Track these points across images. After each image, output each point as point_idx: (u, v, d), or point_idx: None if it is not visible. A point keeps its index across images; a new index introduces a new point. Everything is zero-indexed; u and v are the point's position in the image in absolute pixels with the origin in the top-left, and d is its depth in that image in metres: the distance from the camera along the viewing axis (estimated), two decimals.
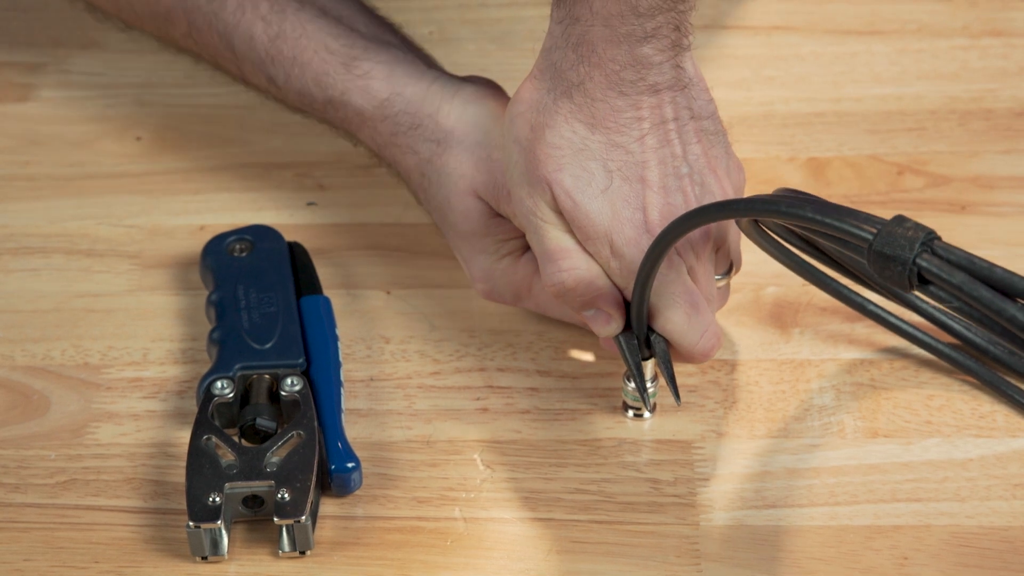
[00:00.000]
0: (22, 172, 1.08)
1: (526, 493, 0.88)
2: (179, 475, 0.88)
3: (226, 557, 0.85)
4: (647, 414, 0.91)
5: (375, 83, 0.95)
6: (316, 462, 0.85)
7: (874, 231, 0.74)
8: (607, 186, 0.85)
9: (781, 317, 0.97)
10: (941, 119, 1.09)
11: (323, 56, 0.96)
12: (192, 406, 0.92)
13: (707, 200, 0.86)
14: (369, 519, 0.87)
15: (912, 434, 0.91)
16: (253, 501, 0.85)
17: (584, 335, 0.96)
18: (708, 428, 0.91)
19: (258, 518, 0.86)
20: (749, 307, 0.97)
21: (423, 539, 0.86)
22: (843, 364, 0.94)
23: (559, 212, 0.86)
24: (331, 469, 0.86)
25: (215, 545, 0.84)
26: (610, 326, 0.88)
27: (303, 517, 0.83)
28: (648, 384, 0.89)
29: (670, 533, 0.86)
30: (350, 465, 0.87)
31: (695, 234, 0.87)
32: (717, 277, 0.91)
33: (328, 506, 0.87)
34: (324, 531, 0.86)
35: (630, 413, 0.91)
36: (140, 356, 0.95)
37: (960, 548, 0.85)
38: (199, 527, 0.83)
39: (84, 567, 0.85)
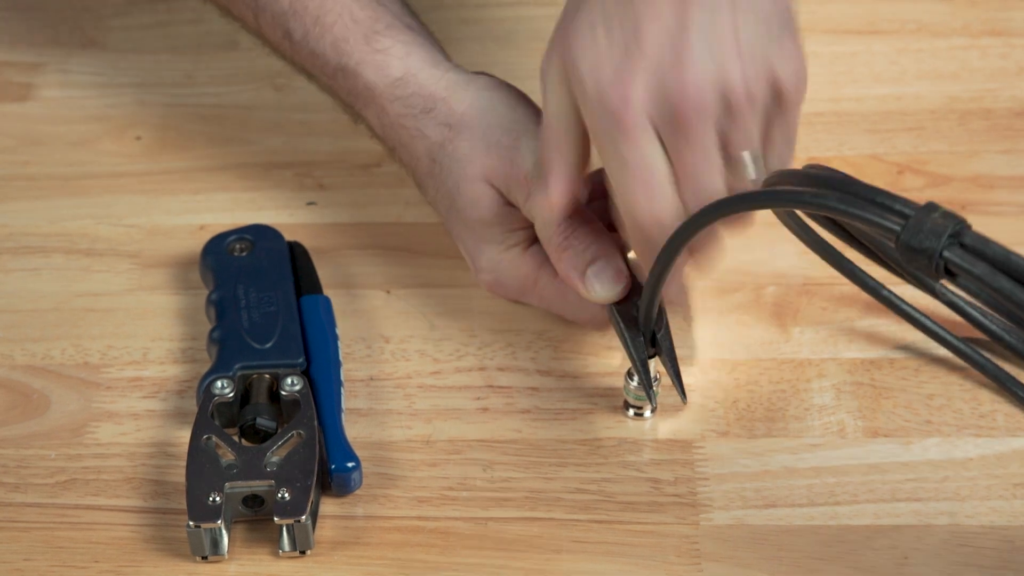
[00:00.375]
0: (22, 172, 1.08)
1: (526, 493, 0.88)
2: (179, 475, 0.88)
3: (226, 557, 0.85)
4: (648, 413, 0.91)
5: (392, 60, 0.95)
6: (316, 462, 0.85)
7: (902, 222, 0.73)
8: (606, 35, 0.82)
9: (781, 317, 0.97)
10: (941, 119, 1.09)
11: (346, 22, 0.96)
12: (192, 406, 0.92)
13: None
14: (369, 519, 0.87)
15: (912, 434, 0.91)
16: (253, 501, 0.85)
17: (584, 335, 0.96)
18: (708, 428, 0.91)
19: (258, 518, 0.86)
20: (749, 307, 0.97)
21: (423, 539, 0.86)
22: (843, 364, 0.94)
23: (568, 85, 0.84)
24: (331, 469, 0.86)
25: (215, 545, 0.84)
26: (616, 283, 0.87)
27: (303, 517, 0.83)
28: (652, 382, 0.89)
29: (670, 533, 0.86)
30: (350, 465, 0.87)
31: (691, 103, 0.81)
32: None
33: (328, 506, 0.87)
34: (324, 531, 0.86)
35: (631, 412, 0.91)
36: (140, 356, 0.95)
37: (960, 548, 0.85)
38: (199, 527, 0.83)
39: (84, 567, 0.85)
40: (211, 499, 0.84)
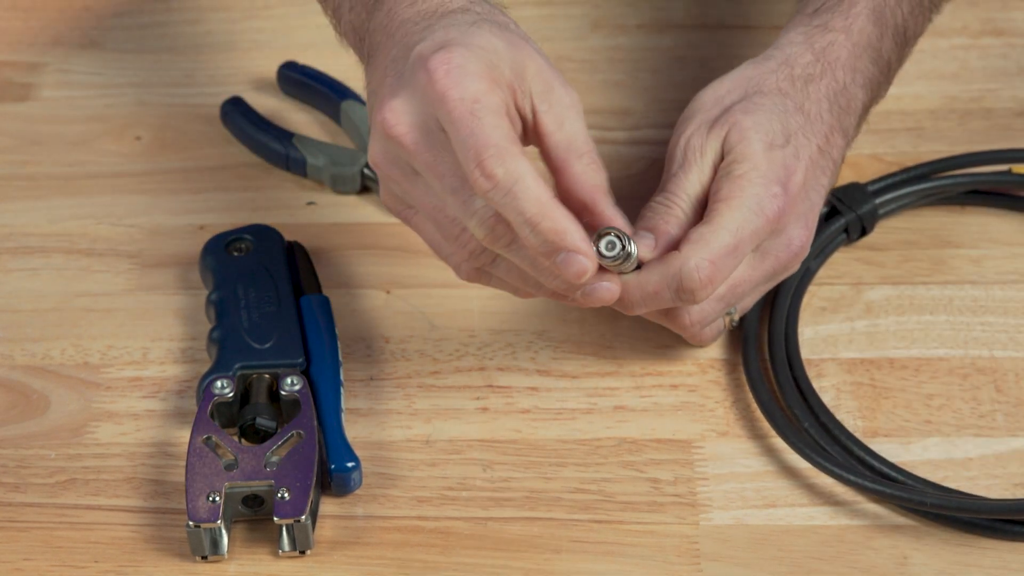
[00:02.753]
0: (22, 172, 1.08)
1: (526, 493, 0.88)
2: (179, 474, 0.88)
3: (226, 556, 0.85)
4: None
5: None
6: (316, 461, 0.85)
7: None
8: (782, 144, 0.88)
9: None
10: (940, 119, 1.09)
11: None
12: (192, 405, 0.92)
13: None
14: (369, 519, 0.87)
15: (912, 434, 0.91)
16: (253, 500, 0.85)
17: (585, 335, 0.96)
18: (708, 428, 0.91)
19: (258, 517, 0.86)
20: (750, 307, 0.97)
21: (423, 539, 0.86)
22: (843, 364, 0.94)
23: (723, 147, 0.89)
24: (331, 468, 0.86)
25: (215, 544, 0.84)
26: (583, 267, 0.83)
27: (303, 517, 0.83)
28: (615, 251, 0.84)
29: (670, 533, 0.86)
30: (350, 464, 0.87)
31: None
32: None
33: (328, 506, 0.87)
34: (324, 531, 0.86)
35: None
36: (140, 355, 0.95)
37: (960, 548, 0.85)
38: (199, 526, 0.83)
39: (84, 566, 0.85)
40: (211, 499, 0.84)
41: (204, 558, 0.84)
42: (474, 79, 0.80)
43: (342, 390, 0.90)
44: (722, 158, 0.89)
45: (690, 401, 0.92)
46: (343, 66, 1.14)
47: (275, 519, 0.84)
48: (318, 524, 0.86)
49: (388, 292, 0.99)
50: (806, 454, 0.87)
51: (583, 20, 1.18)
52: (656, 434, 0.91)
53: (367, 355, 0.95)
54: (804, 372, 0.92)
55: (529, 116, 0.83)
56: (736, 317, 0.92)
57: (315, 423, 0.87)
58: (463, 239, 0.84)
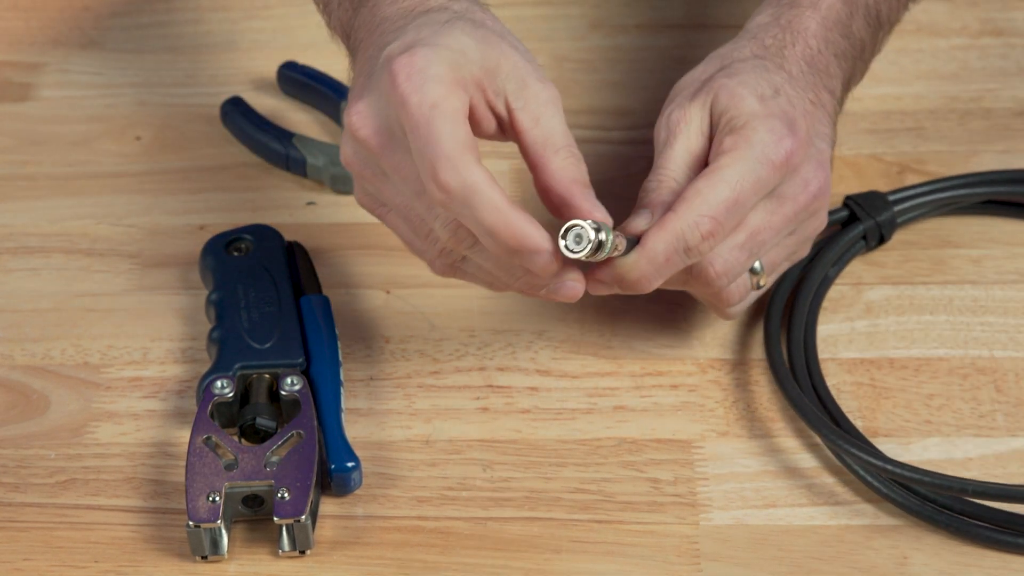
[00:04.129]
0: (22, 172, 1.08)
1: (526, 493, 0.88)
2: (179, 474, 0.88)
3: (226, 556, 0.85)
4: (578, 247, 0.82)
5: None
6: (316, 461, 0.85)
7: None
8: (773, 95, 0.88)
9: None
10: (940, 119, 1.09)
11: None
12: (192, 405, 0.92)
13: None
14: (369, 519, 0.87)
15: (912, 434, 0.91)
16: (253, 500, 0.85)
17: (585, 335, 0.96)
18: (708, 428, 0.91)
19: (258, 517, 0.86)
20: (750, 307, 0.97)
21: (423, 539, 0.86)
22: (843, 364, 0.94)
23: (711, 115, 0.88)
24: (331, 468, 0.86)
25: (215, 544, 0.84)
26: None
27: (303, 517, 0.83)
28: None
29: (670, 533, 0.86)
30: (350, 464, 0.87)
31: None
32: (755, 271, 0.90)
33: (328, 506, 0.87)
34: (324, 530, 0.86)
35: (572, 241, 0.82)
36: (140, 355, 0.95)
37: (960, 548, 0.85)
38: (199, 526, 0.83)
39: (84, 566, 0.85)
40: (210, 499, 0.84)
41: (204, 558, 0.84)
42: (434, 83, 0.80)
43: (342, 390, 0.91)
44: (711, 126, 0.88)
45: (690, 401, 0.92)
46: (343, 66, 1.13)
47: (275, 519, 0.84)
48: (318, 524, 0.86)
49: (388, 292, 0.99)
50: (844, 449, 0.86)
51: (582, 20, 1.18)
52: (656, 434, 0.91)
53: (367, 355, 0.95)
54: (823, 380, 0.92)
55: (504, 114, 0.83)
56: (764, 279, 0.90)
57: (315, 423, 0.87)
58: (433, 237, 0.84)
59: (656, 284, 0.85)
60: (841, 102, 0.96)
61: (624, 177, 1.06)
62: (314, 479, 0.85)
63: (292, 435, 0.87)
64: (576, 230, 0.81)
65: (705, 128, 0.88)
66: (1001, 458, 0.89)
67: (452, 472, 0.89)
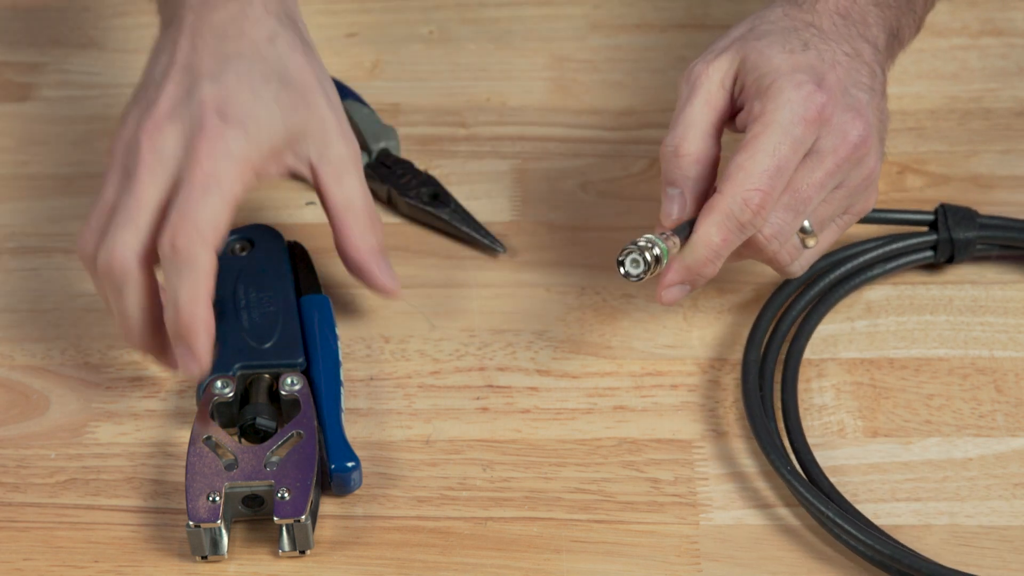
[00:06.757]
0: (22, 172, 1.08)
1: (526, 493, 0.88)
2: (179, 475, 0.88)
3: (226, 556, 0.85)
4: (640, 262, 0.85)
5: None
6: (316, 461, 0.85)
7: None
8: (802, 49, 0.88)
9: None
10: (941, 119, 1.09)
11: None
12: (192, 405, 0.92)
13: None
14: (369, 519, 0.87)
15: (912, 434, 0.91)
16: (253, 500, 0.85)
17: (585, 335, 0.96)
18: (708, 428, 0.91)
19: (258, 517, 0.86)
20: (749, 307, 0.97)
21: (423, 539, 0.86)
22: (843, 364, 0.94)
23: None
24: (331, 468, 0.86)
25: (215, 544, 0.84)
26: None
27: (303, 517, 0.83)
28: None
29: (670, 533, 0.86)
30: (350, 464, 0.87)
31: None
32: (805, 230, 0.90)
33: (328, 505, 0.87)
34: (324, 531, 0.86)
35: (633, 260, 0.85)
36: (140, 355, 0.95)
37: (960, 548, 0.85)
38: (199, 527, 0.83)
39: (84, 566, 0.85)
40: (211, 499, 0.84)
41: (204, 558, 0.84)
42: (228, 161, 0.86)
43: (342, 390, 0.90)
44: (735, 81, 0.88)
45: (690, 401, 0.92)
46: (343, 66, 1.14)
47: (275, 519, 0.84)
48: (318, 524, 0.86)
49: None
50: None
51: (583, 20, 1.18)
52: (656, 434, 0.91)
53: (367, 355, 0.95)
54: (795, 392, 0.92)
55: (307, 173, 0.90)
56: (811, 240, 0.89)
57: (315, 423, 0.87)
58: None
59: (719, 265, 0.87)
60: (890, 52, 0.95)
61: (624, 177, 1.06)
62: (314, 479, 0.85)
63: (292, 435, 0.87)
64: (630, 256, 0.83)
65: (728, 83, 0.89)
66: (1001, 458, 0.89)
67: (452, 472, 0.89)
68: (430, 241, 1.02)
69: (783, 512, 0.87)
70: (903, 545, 0.84)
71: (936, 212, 0.98)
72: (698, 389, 0.93)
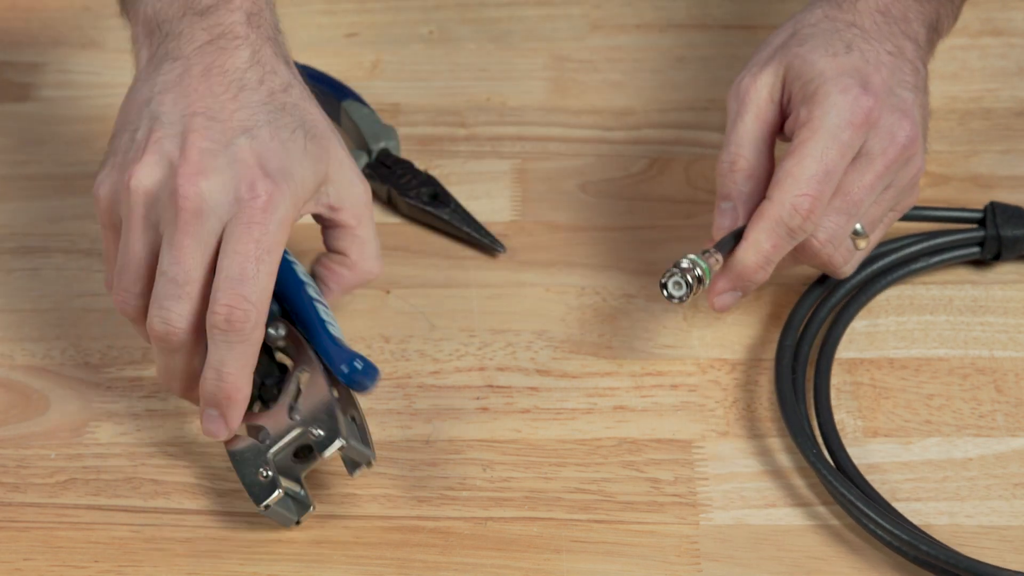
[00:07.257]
0: (22, 172, 1.08)
1: (526, 493, 0.88)
2: (179, 474, 0.88)
3: (313, 508, 0.85)
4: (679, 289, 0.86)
5: None
6: (328, 384, 0.85)
7: None
8: (845, 52, 0.88)
9: (781, 317, 0.96)
10: (941, 119, 1.09)
11: None
12: (192, 405, 0.92)
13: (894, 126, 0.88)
14: (369, 519, 0.87)
15: (912, 434, 0.91)
16: (303, 451, 0.85)
17: (585, 335, 0.96)
18: (708, 428, 0.91)
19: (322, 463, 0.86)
20: (749, 307, 0.97)
21: (423, 539, 0.86)
22: (843, 364, 0.94)
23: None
24: (343, 376, 0.85)
25: (294, 509, 0.85)
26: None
27: (339, 441, 0.83)
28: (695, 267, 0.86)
29: (670, 533, 0.86)
30: (357, 364, 0.85)
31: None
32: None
33: (328, 505, 0.87)
34: (324, 531, 0.86)
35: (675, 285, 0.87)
36: (140, 355, 0.95)
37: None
38: (268, 507, 0.83)
39: (84, 566, 0.85)
40: (263, 475, 0.84)
41: (298, 523, 0.85)
42: (279, 232, 0.84)
43: (317, 305, 0.89)
44: (783, 93, 0.89)
45: (690, 401, 0.92)
46: (343, 66, 1.14)
47: (323, 455, 0.83)
48: (318, 524, 0.86)
49: (388, 292, 0.99)
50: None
51: (583, 20, 1.18)
52: (656, 434, 0.91)
53: (367, 355, 0.95)
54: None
55: (327, 216, 0.89)
56: (862, 242, 0.90)
57: (311, 352, 0.87)
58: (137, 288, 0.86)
59: (770, 271, 0.88)
60: (930, 46, 0.95)
61: (624, 177, 1.06)
62: (334, 402, 0.84)
63: (296, 376, 0.86)
64: (672, 279, 0.86)
65: (776, 95, 0.89)
66: (1001, 458, 0.89)
67: (452, 472, 0.89)
68: (430, 241, 1.02)
69: (783, 512, 0.87)
70: (932, 538, 0.84)
71: (985, 210, 0.98)
72: (698, 389, 0.93)
